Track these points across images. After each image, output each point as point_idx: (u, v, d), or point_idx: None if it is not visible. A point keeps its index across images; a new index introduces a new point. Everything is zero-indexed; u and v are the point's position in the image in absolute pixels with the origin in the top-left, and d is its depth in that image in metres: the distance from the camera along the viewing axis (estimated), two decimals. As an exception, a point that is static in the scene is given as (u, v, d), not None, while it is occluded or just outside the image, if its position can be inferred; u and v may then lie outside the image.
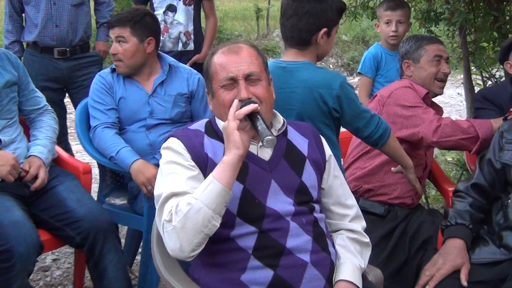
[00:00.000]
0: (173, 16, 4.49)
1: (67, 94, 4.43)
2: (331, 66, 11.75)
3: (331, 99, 2.57)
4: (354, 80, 10.70)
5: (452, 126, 2.98)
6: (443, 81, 3.23)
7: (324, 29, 2.63)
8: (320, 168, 2.27)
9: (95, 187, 3.75)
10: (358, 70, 4.36)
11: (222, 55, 2.21)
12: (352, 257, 2.20)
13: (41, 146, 3.01)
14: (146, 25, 3.29)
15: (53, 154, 3.08)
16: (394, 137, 2.79)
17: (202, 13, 4.68)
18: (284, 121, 2.26)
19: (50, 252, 3.67)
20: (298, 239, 2.09)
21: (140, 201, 3.19)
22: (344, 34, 12.73)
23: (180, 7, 4.48)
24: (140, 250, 3.62)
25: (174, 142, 2.16)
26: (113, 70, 3.33)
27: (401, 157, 2.88)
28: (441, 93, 3.27)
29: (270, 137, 1.97)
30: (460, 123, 3.01)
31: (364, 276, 2.23)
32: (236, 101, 2.07)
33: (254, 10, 14.11)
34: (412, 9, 4.38)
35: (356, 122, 2.64)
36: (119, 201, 3.42)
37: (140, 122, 3.27)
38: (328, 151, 2.34)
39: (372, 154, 3.14)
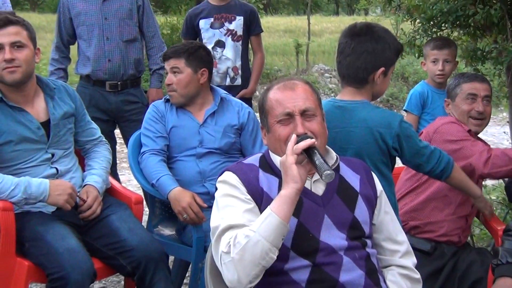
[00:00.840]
0: (222, 51, 4.60)
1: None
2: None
3: (391, 138, 2.57)
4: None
5: (503, 156, 3.00)
6: (478, 119, 3.21)
7: (382, 69, 2.63)
8: (372, 203, 2.30)
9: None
10: (404, 108, 4.39)
11: (278, 91, 2.27)
12: (404, 294, 2.21)
13: (97, 176, 3.10)
14: (201, 57, 3.41)
15: (106, 184, 3.17)
16: (458, 168, 2.79)
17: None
18: (337, 157, 2.30)
19: (97, 280, 3.72)
20: (351, 274, 2.12)
21: (188, 231, 3.24)
22: (384, 70, 12.75)
23: (229, 43, 4.60)
24: (185, 280, 3.66)
25: (229, 176, 2.21)
26: (167, 101, 3.45)
27: (467, 188, 2.89)
28: (478, 131, 3.26)
29: (328, 172, 2.00)
30: (510, 153, 3.01)
31: (415, 313, 2.24)
32: (294, 136, 2.11)
33: (294, 46, 14.26)
34: (459, 47, 4.40)
35: (416, 159, 2.65)
36: (168, 232, 3.46)
37: (190, 151, 3.35)
38: (379, 187, 2.37)
39: (419, 190, 3.15)
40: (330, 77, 13.75)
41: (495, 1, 3.99)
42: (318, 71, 14.07)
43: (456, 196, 3.09)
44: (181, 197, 3.10)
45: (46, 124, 3.01)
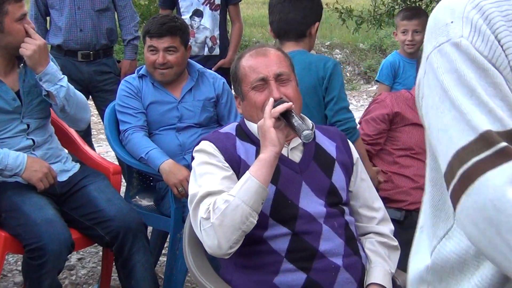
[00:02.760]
0: (200, 21, 4.55)
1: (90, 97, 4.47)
2: (348, 74, 11.72)
3: (326, 76, 2.82)
4: (372, 88, 10.70)
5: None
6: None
7: (317, 23, 2.96)
8: (348, 170, 2.30)
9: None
10: (376, 78, 4.41)
11: (250, 57, 2.25)
12: (382, 262, 2.23)
13: None
14: (188, 33, 3.38)
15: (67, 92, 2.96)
16: (361, 144, 2.94)
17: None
18: (312, 125, 2.29)
19: (75, 251, 3.71)
20: (330, 243, 2.12)
21: (166, 202, 3.23)
22: (362, 42, 12.72)
23: (207, 12, 4.55)
24: (164, 251, 3.67)
25: (206, 145, 2.20)
26: (141, 76, 3.35)
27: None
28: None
29: (308, 131, 1.99)
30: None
31: (393, 281, 2.24)
32: (271, 100, 2.10)
33: (273, 17, 14.13)
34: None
35: (331, 104, 2.83)
36: (146, 202, 3.46)
37: (168, 126, 3.31)
38: (355, 154, 2.37)
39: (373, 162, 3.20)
40: (308, 48, 13.70)
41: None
42: (296, 43, 14.00)
43: (409, 166, 3.16)
44: (176, 170, 3.07)
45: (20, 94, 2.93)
